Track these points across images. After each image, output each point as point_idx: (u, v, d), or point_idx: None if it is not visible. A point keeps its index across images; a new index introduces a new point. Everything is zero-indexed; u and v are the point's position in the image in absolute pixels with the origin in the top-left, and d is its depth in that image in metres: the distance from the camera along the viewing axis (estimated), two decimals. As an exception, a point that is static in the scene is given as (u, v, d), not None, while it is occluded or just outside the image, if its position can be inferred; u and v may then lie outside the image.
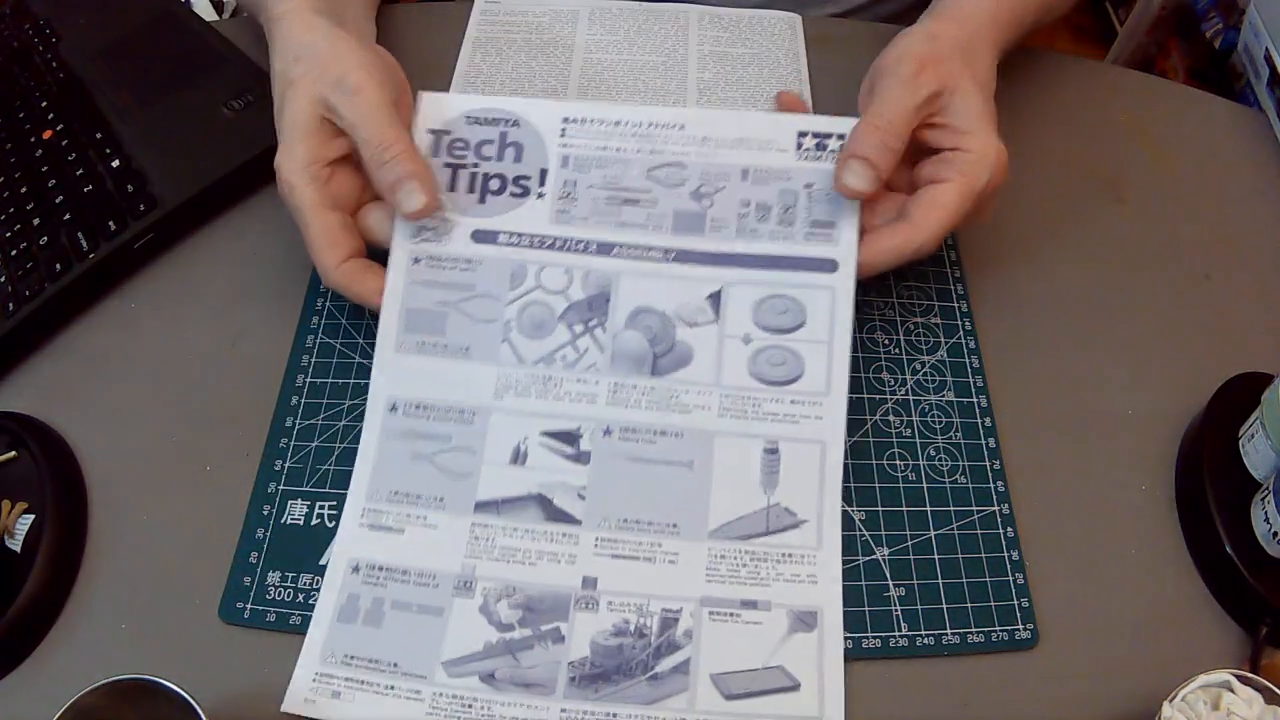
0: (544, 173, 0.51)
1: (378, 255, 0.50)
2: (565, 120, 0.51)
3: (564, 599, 0.44)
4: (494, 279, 0.49)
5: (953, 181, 0.48)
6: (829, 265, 0.49)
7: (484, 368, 0.48)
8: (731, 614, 0.44)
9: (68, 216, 0.54)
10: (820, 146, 0.50)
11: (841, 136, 0.50)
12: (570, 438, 0.47)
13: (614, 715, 0.42)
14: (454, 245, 0.49)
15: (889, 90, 0.48)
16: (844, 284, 0.48)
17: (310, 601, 0.45)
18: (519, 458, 0.47)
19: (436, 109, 0.51)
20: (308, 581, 0.45)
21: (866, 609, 0.45)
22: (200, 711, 0.36)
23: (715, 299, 0.49)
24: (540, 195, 0.50)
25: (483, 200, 0.50)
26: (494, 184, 0.50)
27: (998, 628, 0.45)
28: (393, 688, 0.42)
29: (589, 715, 0.42)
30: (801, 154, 0.50)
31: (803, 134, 0.50)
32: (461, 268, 0.49)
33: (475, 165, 0.50)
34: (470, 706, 0.42)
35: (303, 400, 0.51)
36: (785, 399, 0.47)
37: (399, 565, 0.45)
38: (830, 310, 0.48)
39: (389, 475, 0.47)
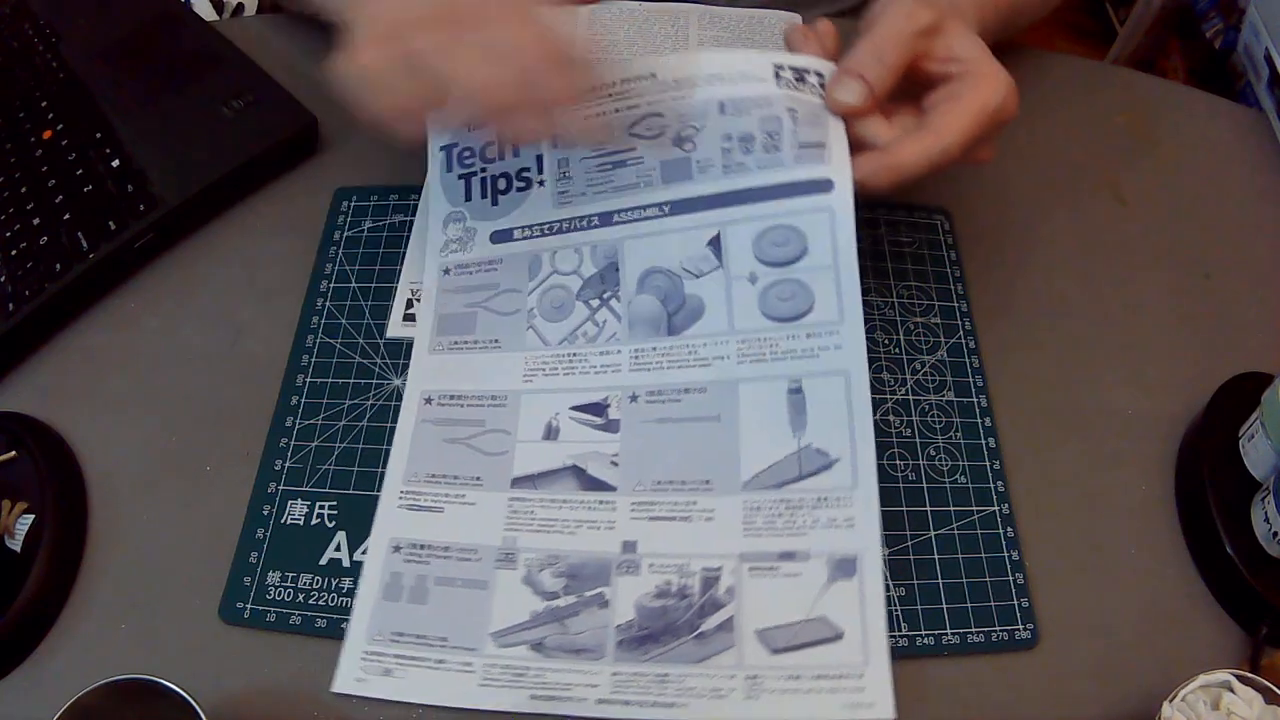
0: (540, 159, 0.52)
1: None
2: None
3: (605, 564, 0.45)
4: (514, 273, 0.51)
5: (968, 97, 0.46)
6: (824, 186, 0.46)
7: (512, 355, 0.50)
8: (771, 567, 0.44)
9: (68, 216, 0.54)
10: (800, 79, 0.48)
11: (820, 74, 0.48)
12: (598, 409, 0.48)
13: (665, 675, 0.42)
14: (477, 250, 0.52)
15: (886, 16, 0.47)
16: (842, 202, 0.46)
17: (310, 601, 0.45)
18: (551, 434, 0.48)
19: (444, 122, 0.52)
20: (308, 581, 0.45)
21: (866, 609, 0.45)
22: (200, 711, 0.36)
23: (715, 244, 0.49)
24: (541, 183, 0.51)
25: (495, 203, 0.52)
26: (501, 184, 0.52)
27: (998, 628, 0.45)
28: (443, 661, 0.43)
29: (640, 677, 0.42)
30: (781, 84, 0.48)
31: (779, 66, 0.48)
32: (485, 269, 0.52)
33: (484, 170, 0.52)
34: (523, 675, 0.42)
35: (303, 400, 0.51)
36: (800, 334, 0.47)
37: (440, 542, 0.46)
38: (831, 233, 0.46)
39: (424, 459, 0.48)
